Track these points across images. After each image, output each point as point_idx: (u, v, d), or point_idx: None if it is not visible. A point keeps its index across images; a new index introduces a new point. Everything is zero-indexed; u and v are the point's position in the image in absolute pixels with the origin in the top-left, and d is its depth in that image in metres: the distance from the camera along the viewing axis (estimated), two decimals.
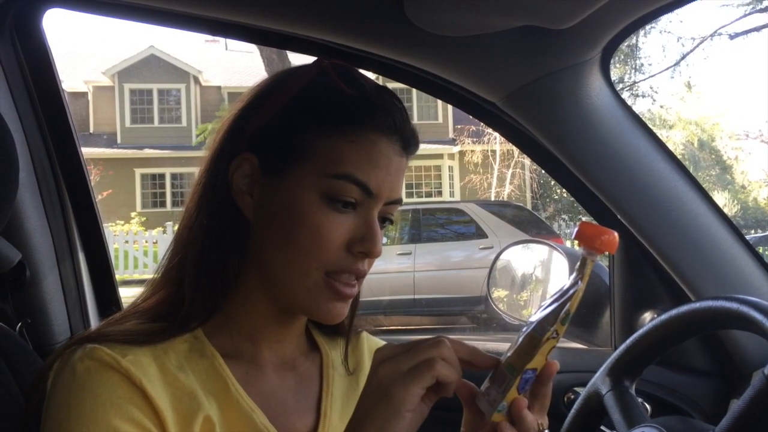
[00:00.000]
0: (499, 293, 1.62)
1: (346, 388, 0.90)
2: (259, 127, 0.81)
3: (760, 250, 12.61)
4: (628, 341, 0.99)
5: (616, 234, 0.72)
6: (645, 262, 1.28)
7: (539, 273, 1.55)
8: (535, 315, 0.74)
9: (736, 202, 26.14)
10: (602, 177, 1.18)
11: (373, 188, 0.78)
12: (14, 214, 1.12)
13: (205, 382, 0.77)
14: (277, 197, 0.79)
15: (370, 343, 0.99)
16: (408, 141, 0.82)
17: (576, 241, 0.73)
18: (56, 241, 1.21)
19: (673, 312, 0.93)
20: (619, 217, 1.22)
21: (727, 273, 1.19)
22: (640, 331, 0.98)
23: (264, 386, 0.82)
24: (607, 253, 0.73)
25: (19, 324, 1.09)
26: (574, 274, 0.73)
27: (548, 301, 0.74)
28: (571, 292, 0.72)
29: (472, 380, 0.78)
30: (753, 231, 21.66)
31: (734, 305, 0.83)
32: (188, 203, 0.83)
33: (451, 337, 0.75)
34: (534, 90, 1.09)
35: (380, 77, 1.34)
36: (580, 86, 1.09)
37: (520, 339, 0.74)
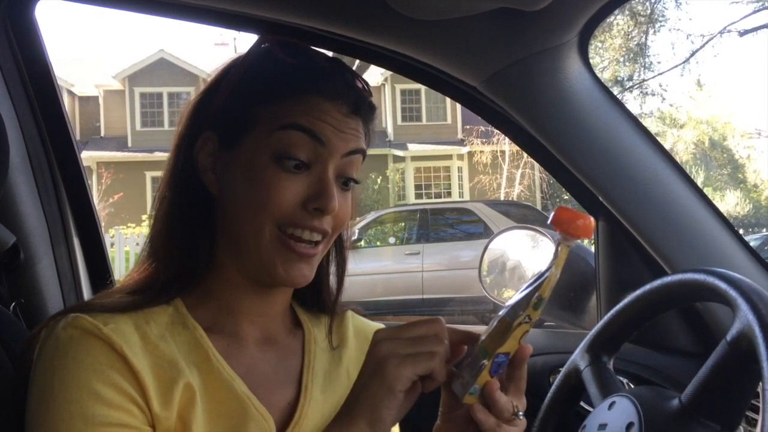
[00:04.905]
0: (491, 279, 1.64)
1: (329, 364, 0.92)
2: (217, 108, 0.85)
3: None
4: (605, 318, 1.01)
5: (591, 219, 0.72)
6: (629, 244, 1.29)
7: (529, 258, 1.56)
8: (511, 300, 0.75)
9: (748, 201, 25.88)
10: (582, 159, 1.19)
11: (321, 135, 0.80)
12: (9, 199, 1.15)
13: (187, 352, 0.80)
14: (235, 168, 0.82)
15: (355, 321, 1.00)
16: (357, 104, 0.84)
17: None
18: (50, 225, 1.24)
19: (647, 287, 0.95)
20: (600, 198, 1.24)
21: (708, 252, 1.20)
22: (617, 307, 1.00)
23: (245, 359, 0.84)
24: (583, 239, 0.74)
25: (13, 304, 1.12)
26: (550, 259, 0.74)
27: (524, 286, 0.75)
28: (544, 277, 0.73)
29: None
30: (765, 230, 21.48)
31: (701, 276, 0.84)
32: (159, 185, 0.87)
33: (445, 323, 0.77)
34: (513, 73, 1.11)
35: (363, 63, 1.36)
36: (558, 69, 1.11)
37: (494, 323, 0.75)
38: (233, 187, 0.82)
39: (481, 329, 0.78)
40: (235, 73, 0.86)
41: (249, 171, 0.81)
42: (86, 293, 1.32)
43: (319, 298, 0.95)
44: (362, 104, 0.85)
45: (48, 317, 0.81)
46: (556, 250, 0.74)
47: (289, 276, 0.82)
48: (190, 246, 0.83)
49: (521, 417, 0.77)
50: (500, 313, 0.75)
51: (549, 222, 0.74)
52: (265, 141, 0.81)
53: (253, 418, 0.79)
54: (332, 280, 0.95)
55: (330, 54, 0.92)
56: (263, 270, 0.82)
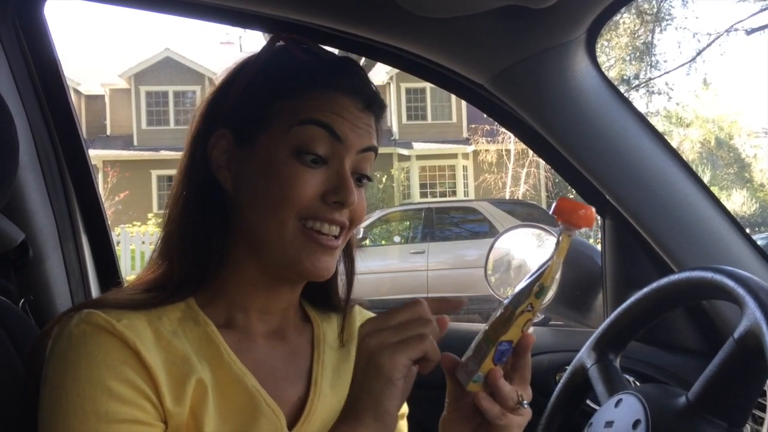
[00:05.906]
0: (496, 277, 1.64)
1: (337, 359, 0.92)
2: (231, 106, 0.86)
3: None
4: (612, 316, 1.01)
5: (593, 209, 0.73)
6: (635, 242, 1.29)
7: (535, 256, 1.56)
8: (515, 289, 0.76)
9: (754, 200, 25.79)
10: (589, 157, 1.19)
11: (339, 131, 0.81)
12: (18, 196, 1.16)
13: (198, 348, 0.80)
14: (252, 163, 0.83)
15: (363, 316, 1.01)
16: (370, 100, 0.85)
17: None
18: (59, 223, 1.25)
19: (654, 285, 0.95)
20: (607, 196, 1.24)
21: (715, 251, 1.20)
22: (623, 306, 1.00)
23: (255, 354, 0.85)
24: (585, 228, 0.74)
25: (22, 300, 1.12)
26: (552, 249, 0.75)
27: (527, 276, 0.76)
28: (546, 265, 0.74)
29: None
30: None
31: (709, 274, 0.84)
32: (173, 184, 0.88)
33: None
34: (520, 70, 1.11)
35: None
36: (565, 66, 1.11)
37: (497, 312, 0.76)
38: (251, 183, 0.83)
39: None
40: (249, 70, 0.86)
41: (267, 166, 0.81)
42: (94, 290, 1.33)
43: (329, 298, 0.95)
44: (375, 100, 0.86)
45: (58, 313, 0.81)
46: (558, 240, 0.74)
47: (315, 268, 0.82)
48: (205, 244, 0.83)
49: (526, 406, 0.78)
50: (504, 301, 0.76)
51: (551, 212, 0.75)
52: (283, 137, 0.81)
53: (263, 413, 0.80)
54: (341, 280, 0.95)
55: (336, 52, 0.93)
56: (287, 264, 0.82)
